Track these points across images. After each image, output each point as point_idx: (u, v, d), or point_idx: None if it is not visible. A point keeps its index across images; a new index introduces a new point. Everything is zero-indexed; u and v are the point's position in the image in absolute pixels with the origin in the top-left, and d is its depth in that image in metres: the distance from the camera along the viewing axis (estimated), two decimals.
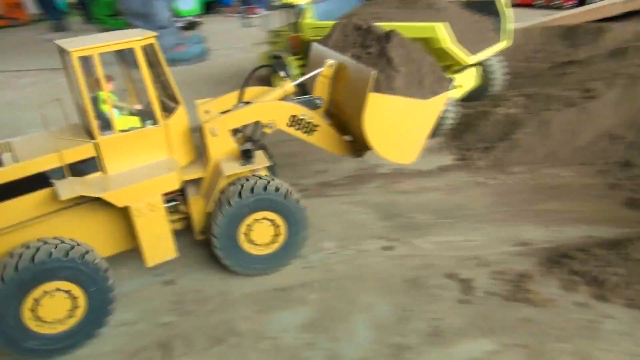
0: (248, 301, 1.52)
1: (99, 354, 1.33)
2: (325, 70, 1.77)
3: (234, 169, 1.52)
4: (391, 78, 1.63)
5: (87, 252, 1.33)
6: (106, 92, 1.38)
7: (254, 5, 7.00)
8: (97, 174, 1.39)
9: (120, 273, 1.64)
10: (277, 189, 1.53)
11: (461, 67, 2.54)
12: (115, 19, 6.59)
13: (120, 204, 1.37)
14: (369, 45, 1.79)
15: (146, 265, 1.50)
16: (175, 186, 1.46)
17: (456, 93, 2.54)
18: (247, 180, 1.55)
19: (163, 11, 4.65)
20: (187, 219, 1.67)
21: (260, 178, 1.56)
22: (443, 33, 2.25)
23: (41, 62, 5.13)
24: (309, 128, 1.71)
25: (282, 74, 1.86)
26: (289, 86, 1.81)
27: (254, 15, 6.22)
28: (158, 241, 1.47)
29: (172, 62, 4.70)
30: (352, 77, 1.70)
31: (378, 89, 1.58)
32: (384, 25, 2.28)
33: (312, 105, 1.75)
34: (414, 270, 1.63)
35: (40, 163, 1.30)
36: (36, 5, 7.86)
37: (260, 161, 1.58)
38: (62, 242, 1.32)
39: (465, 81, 2.66)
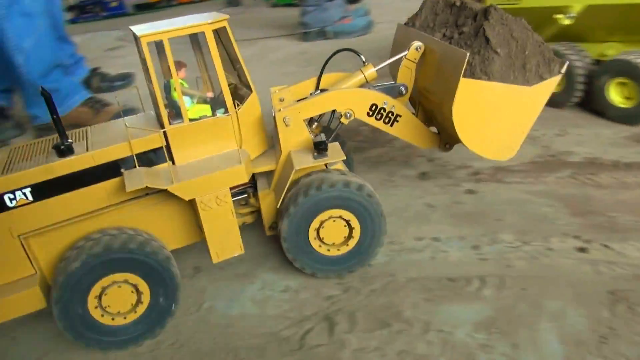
0: (415, 287, 1.39)
1: (265, 316, 1.33)
2: (410, 54, 1.58)
3: (305, 162, 1.37)
4: (488, 61, 1.41)
5: (147, 242, 1.26)
6: (177, 79, 1.29)
7: None
8: (166, 164, 1.32)
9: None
10: (347, 185, 1.34)
11: None
12: None
13: (186, 197, 1.28)
14: (462, 24, 1.59)
15: (213, 262, 1.39)
16: (244, 179, 1.33)
17: None
18: (318, 174, 1.39)
19: None
20: (258, 212, 1.54)
21: (330, 173, 1.39)
22: None
23: None
24: (391, 118, 1.55)
25: (362, 58, 1.67)
26: (370, 72, 1.63)
27: None
28: (224, 236, 1.37)
29: (336, 34, 4.71)
30: (440, 61, 1.49)
31: (472, 73, 1.39)
32: None
33: (395, 92, 1.58)
34: (615, 281, 1.34)
35: (110, 152, 1.26)
36: None
37: (335, 154, 1.39)
38: (124, 232, 1.27)
39: None
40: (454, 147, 1.72)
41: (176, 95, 1.30)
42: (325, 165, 1.44)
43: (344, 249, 1.42)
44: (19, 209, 1.19)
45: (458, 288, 1.37)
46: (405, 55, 1.59)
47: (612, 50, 2.24)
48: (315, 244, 1.41)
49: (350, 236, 1.41)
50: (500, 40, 1.45)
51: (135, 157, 1.27)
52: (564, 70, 1.49)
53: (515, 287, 1.35)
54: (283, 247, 1.41)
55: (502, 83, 1.41)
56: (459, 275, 1.41)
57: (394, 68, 1.67)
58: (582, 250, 1.46)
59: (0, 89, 2.99)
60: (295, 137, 1.45)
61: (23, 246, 1.22)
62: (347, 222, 1.39)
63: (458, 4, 1.69)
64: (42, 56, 2.76)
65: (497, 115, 1.47)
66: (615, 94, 2.14)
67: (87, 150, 1.25)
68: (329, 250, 1.42)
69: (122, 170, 1.27)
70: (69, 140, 1.24)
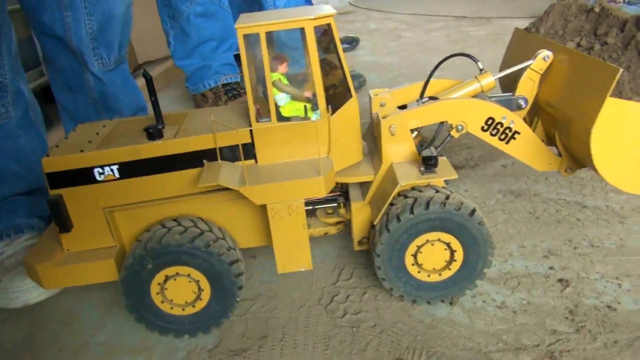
0: None
1: (474, 329, 1.18)
2: (537, 64, 1.42)
3: (411, 177, 1.23)
4: None
5: (215, 240, 1.21)
6: (269, 75, 1.17)
7: None
8: (248, 162, 1.25)
9: (510, 250, 1.50)
10: (458, 208, 1.19)
11: None
12: None
13: (257, 201, 1.20)
14: (604, 34, 1.43)
15: (278, 272, 1.30)
16: (321, 193, 1.21)
17: None
18: (422, 192, 1.23)
19: None
20: (343, 223, 1.43)
21: (437, 191, 1.23)
22: None
23: (451, 9, 5.31)
24: (508, 135, 1.37)
25: (479, 65, 1.48)
26: (488, 81, 1.46)
27: None
28: (293, 248, 1.27)
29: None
30: (578, 74, 1.31)
31: (619, 92, 1.28)
32: None
33: (513, 105, 1.43)
34: None
35: (194, 142, 1.22)
36: None
37: (445, 171, 1.24)
38: (194, 225, 1.23)
39: None
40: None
41: (272, 91, 1.22)
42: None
43: (446, 274, 1.29)
44: (106, 184, 1.24)
45: None
46: (530, 65, 1.43)
47: None
48: (413, 270, 1.28)
49: (452, 259, 1.27)
50: None
51: (219, 150, 1.24)
52: None
53: None
54: (375, 265, 1.29)
55: None
56: None
57: (506, 76, 1.52)
58: None
59: None
60: (400, 147, 1.32)
61: (107, 219, 1.28)
62: (447, 244, 1.25)
63: (597, 9, 1.48)
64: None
65: None
66: None
67: (175, 136, 1.25)
68: (429, 276, 1.29)
69: (204, 161, 1.25)
70: (162, 124, 1.26)
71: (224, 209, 1.33)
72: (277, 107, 1.23)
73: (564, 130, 1.41)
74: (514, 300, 1.30)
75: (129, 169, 1.23)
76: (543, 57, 1.43)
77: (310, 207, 1.42)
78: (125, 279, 1.23)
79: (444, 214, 1.20)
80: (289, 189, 1.21)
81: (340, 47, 1.24)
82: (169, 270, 1.23)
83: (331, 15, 1.22)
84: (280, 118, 1.24)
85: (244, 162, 1.26)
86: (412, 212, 1.20)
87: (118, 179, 1.24)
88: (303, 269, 1.33)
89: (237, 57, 1.23)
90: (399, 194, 1.26)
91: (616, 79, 1.16)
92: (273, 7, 2.79)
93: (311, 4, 3.68)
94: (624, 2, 3.49)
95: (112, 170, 1.23)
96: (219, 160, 1.25)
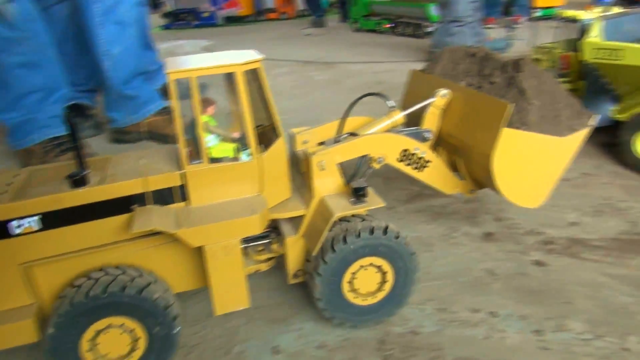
0: None
1: None
2: (438, 101, 1.61)
3: (344, 208, 1.31)
4: (524, 111, 1.45)
5: (147, 285, 1.17)
6: (204, 117, 1.23)
7: (517, 14, 6.48)
8: (181, 204, 1.25)
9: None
10: (385, 232, 1.30)
11: None
12: (368, 20, 6.87)
13: (194, 243, 1.20)
14: (490, 74, 1.62)
15: (215, 314, 1.31)
16: (257, 231, 1.26)
17: None
18: (350, 222, 1.34)
19: (464, 1, 4.30)
20: (274, 259, 1.47)
21: (364, 220, 1.34)
22: None
23: (297, 54, 5.60)
24: (421, 164, 1.54)
25: (389, 103, 1.63)
26: (398, 117, 1.62)
27: (518, 25, 5.70)
28: (230, 288, 1.29)
29: None
30: (474, 109, 1.52)
31: (510, 123, 1.41)
32: None
33: (420, 138, 1.56)
34: None
35: (123, 187, 1.19)
36: (303, 2, 8.73)
37: (374, 201, 1.34)
38: (123, 273, 1.18)
39: None
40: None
41: (201, 133, 1.24)
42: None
43: (381, 295, 1.38)
44: (25, 237, 1.15)
45: None
46: (432, 101, 1.61)
47: None
48: (350, 296, 1.35)
49: (384, 281, 1.37)
50: (533, 91, 1.49)
51: (149, 194, 1.23)
52: (593, 122, 1.55)
53: None
54: (318, 307, 1.34)
55: (539, 133, 1.45)
56: None
57: (411, 112, 1.67)
58: None
59: (85, 89, 3.15)
60: (329, 181, 1.40)
61: (25, 275, 1.18)
62: (379, 267, 1.35)
63: (481, 54, 1.71)
64: (128, 63, 2.87)
65: (531, 164, 1.51)
66: None
67: (101, 182, 1.20)
68: (365, 300, 1.37)
69: (133, 207, 1.22)
70: (86, 170, 1.20)
71: (155, 254, 1.29)
72: (207, 148, 1.24)
73: (466, 157, 1.60)
74: (333, 337, 1.37)
75: (52, 220, 1.16)
76: (442, 95, 1.62)
77: (243, 246, 1.40)
78: (50, 340, 1.12)
79: (373, 240, 1.30)
80: (225, 229, 1.22)
81: (268, 89, 1.29)
82: (100, 324, 1.15)
83: (259, 60, 1.27)
84: (211, 160, 1.25)
85: (177, 205, 1.25)
86: (345, 241, 1.28)
87: (39, 230, 1.15)
88: (241, 308, 1.33)
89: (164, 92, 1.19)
90: (332, 226, 1.32)
91: (508, 113, 1.37)
92: (108, 57, 2.71)
93: (153, 51, 3.64)
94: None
95: (31, 222, 1.14)
96: (150, 205, 1.23)
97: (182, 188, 1.25)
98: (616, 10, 2.51)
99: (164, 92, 3.55)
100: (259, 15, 10.02)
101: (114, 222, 1.21)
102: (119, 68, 2.82)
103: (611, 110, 2.35)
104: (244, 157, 1.29)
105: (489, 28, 5.98)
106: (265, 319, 1.46)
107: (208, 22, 9.73)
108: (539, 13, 6.58)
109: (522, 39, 4.41)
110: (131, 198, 1.22)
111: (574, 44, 2.45)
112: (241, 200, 1.30)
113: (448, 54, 1.85)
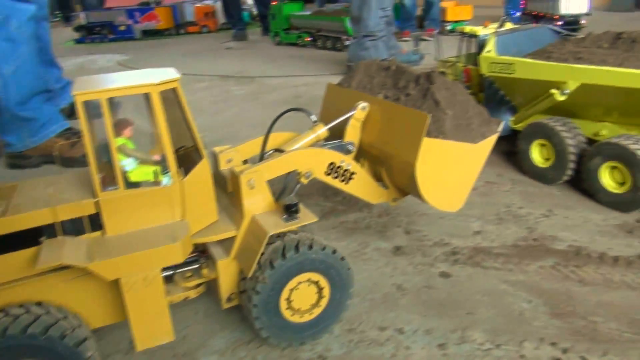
0: None
1: None
2: (358, 114, 1.64)
3: (277, 226, 1.29)
4: (440, 121, 1.51)
5: (55, 323, 1.07)
6: (121, 139, 1.17)
7: (430, 28, 6.76)
8: (95, 234, 1.17)
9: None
10: (323, 247, 1.31)
11: None
12: (288, 33, 6.90)
13: (110, 276, 1.12)
14: (405, 87, 1.66)
15: (136, 350, 1.22)
16: (179, 260, 1.20)
17: None
18: (283, 238, 1.32)
19: (375, 16, 4.30)
20: (204, 284, 1.42)
21: (288, 237, 1.33)
22: None
23: (217, 68, 5.51)
24: (347, 176, 1.55)
25: (312, 117, 1.67)
26: (322, 131, 1.65)
27: (431, 39, 5.95)
28: (152, 321, 1.21)
29: None
30: (394, 121, 1.56)
31: (428, 132, 1.45)
32: (586, 69, 1.89)
33: (344, 150, 1.59)
34: None
35: (30, 218, 1.10)
36: (224, 15, 8.63)
37: (306, 217, 1.34)
38: (27, 312, 1.08)
39: None
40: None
41: (117, 156, 1.17)
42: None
43: (317, 312, 1.37)
44: None
45: None
46: (353, 114, 1.63)
47: (606, 131, 2.15)
48: (287, 314, 1.34)
49: (320, 297, 1.37)
50: (447, 102, 1.54)
51: (59, 225, 1.14)
52: (500, 128, 1.65)
53: None
54: (254, 327, 1.31)
55: (455, 141, 1.51)
56: None
57: (340, 126, 1.68)
58: None
59: None
60: (259, 199, 1.37)
61: None
62: (316, 283, 1.35)
63: (394, 68, 1.76)
64: (23, 83, 2.68)
65: (450, 170, 1.57)
66: (608, 178, 2.04)
67: (3, 214, 1.11)
68: (302, 317, 1.36)
69: (41, 239, 1.13)
70: None
71: (67, 288, 1.19)
72: (124, 172, 1.17)
73: (389, 167, 1.63)
74: None
75: None
76: (362, 108, 1.63)
77: (170, 273, 1.35)
78: None
79: (312, 255, 1.29)
80: (143, 259, 1.14)
81: (187, 109, 1.23)
82: None
83: (176, 80, 1.21)
84: (129, 184, 1.18)
85: (90, 235, 1.16)
86: (284, 257, 1.25)
87: None
88: (165, 342, 1.25)
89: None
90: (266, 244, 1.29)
91: (427, 124, 1.40)
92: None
93: (56, 68, 3.42)
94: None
95: None
96: (60, 236, 1.14)
97: (96, 216, 1.18)
98: (509, 26, 2.67)
99: (72, 112, 3.34)
100: (179, 28, 9.78)
101: (20, 256, 1.12)
102: (11, 88, 2.62)
103: (509, 121, 2.48)
104: (165, 180, 1.22)
105: (404, 41, 6.21)
106: (167, 356, 1.37)
107: (125, 35, 9.37)
108: (449, 26, 6.91)
109: (428, 53, 4.59)
110: (39, 230, 1.13)
111: (474, 58, 2.58)
112: (162, 227, 1.24)
113: (363, 68, 1.88)
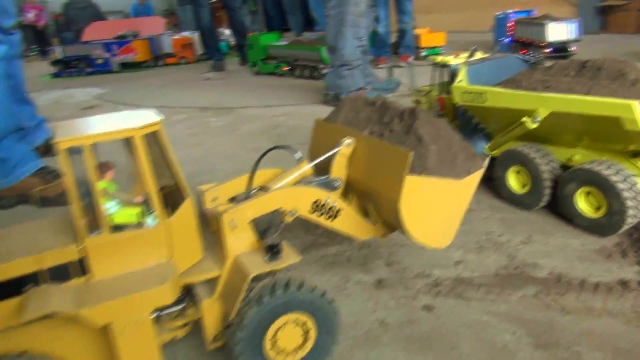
0: None
1: None
2: (343, 150, 1.63)
3: (260, 267, 1.28)
4: (423, 157, 1.50)
5: None
6: (103, 183, 1.17)
7: (405, 54, 6.88)
8: (82, 279, 1.16)
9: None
10: (313, 289, 1.31)
11: None
12: (266, 63, 6.96)
13: (98, 322, 1.11)
14: (389, 122, 1.66)
15: None
16: (169, 301, 1.20)
17: None
18: (274, 276, 1.33)
19: (351, 46, 4.31)
20: (190, 324, 1.41)
21: (277, 274, 1.34)
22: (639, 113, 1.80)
23: (195, 100, 5.51)
24: (333, 213, 1.54)
25: (297, 155, 1.68)
26: (307, 168, 1.66)
27: (405, 65, 6.05)
28: None
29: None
30: (378, 157, 1.55)
31: (411, 169, 1.45)
32: (555, 98, 1.93)
33: (330, 187, 1.60)
34: None
35: (13, 267, 1.08)
36: (202, 46, 8.68)
37: (289, 257, 1.33)
38: None
39: None
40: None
41: (100, 200, 1.16)
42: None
43: (301, 354, 1.36)
44: None
45: None
46: (338, 151, 1.62)
47: (579, 156, 2.19)
48: (271, 354, 1.32)
49: (306, 338, 1.35)
50: (431, 138, 1.54)
51: (44, 272, 1.12)
52: (485, 163, 1.63)
53: None
54: (235, 356, 1.27)
55: (439, 178, 1.49)
56: None
57: (325, 163, 1.68)
58: None
59: None
60: (241, 239, 1.36)
61: None
62: (303, 324, 1.34)
63: (379, 103, 1.75)
64: None
65: (435, 207, 1.55)
66: (584, 203, 2.06)
67: None
68: (285, 358, 1.34)
69: (25, 288, 1.11)
70: None
71: (52, 336, 1.16)
72: (108, 216, 1.17)
73: (375, 202, 1.61)
74: None
75: None
76: (346, 144, 1.63)
77: (155, 314, 1.31)
78: None
79: (301, 295, 1.28)
80: (133, 303, 1.14)
81: (170, 150, 1.23)
82: None
83: (158, 122, 1.21)
84: (113, 227, 1.17)
85: (77, 281, 1.15)
86: (272, 296, 1.24)
87: None
88: None
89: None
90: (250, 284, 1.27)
91: (409, 161, 1.39)
92: None
93: (29, 105, 3.37)
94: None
95: None
96: (45, 284, 1.12)
97: (82, 261, 1.17)
98: (479, 55, 2.72)
99: (47, 150, 3.29)
100: (157, 60, 9.79)
101: (4, 307, 1.10)
102: None
103: (485, 148, 2.51)
104: (149, 221, 1.22)
105: (381, 68, 6.31)
106: None
107: (103, 69, 9.34)
108: (424, 53, 7.04)
109: (404, 82, 4.65)
110: (23, 279, 1.11)
111: (447, 87, 2.62)
112: (149, 268, 1.23)
113: (349, 103, 1.89)
